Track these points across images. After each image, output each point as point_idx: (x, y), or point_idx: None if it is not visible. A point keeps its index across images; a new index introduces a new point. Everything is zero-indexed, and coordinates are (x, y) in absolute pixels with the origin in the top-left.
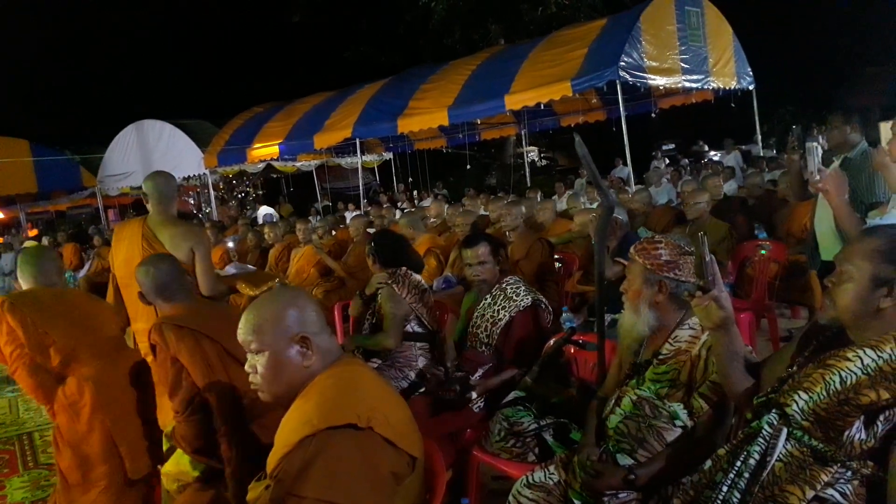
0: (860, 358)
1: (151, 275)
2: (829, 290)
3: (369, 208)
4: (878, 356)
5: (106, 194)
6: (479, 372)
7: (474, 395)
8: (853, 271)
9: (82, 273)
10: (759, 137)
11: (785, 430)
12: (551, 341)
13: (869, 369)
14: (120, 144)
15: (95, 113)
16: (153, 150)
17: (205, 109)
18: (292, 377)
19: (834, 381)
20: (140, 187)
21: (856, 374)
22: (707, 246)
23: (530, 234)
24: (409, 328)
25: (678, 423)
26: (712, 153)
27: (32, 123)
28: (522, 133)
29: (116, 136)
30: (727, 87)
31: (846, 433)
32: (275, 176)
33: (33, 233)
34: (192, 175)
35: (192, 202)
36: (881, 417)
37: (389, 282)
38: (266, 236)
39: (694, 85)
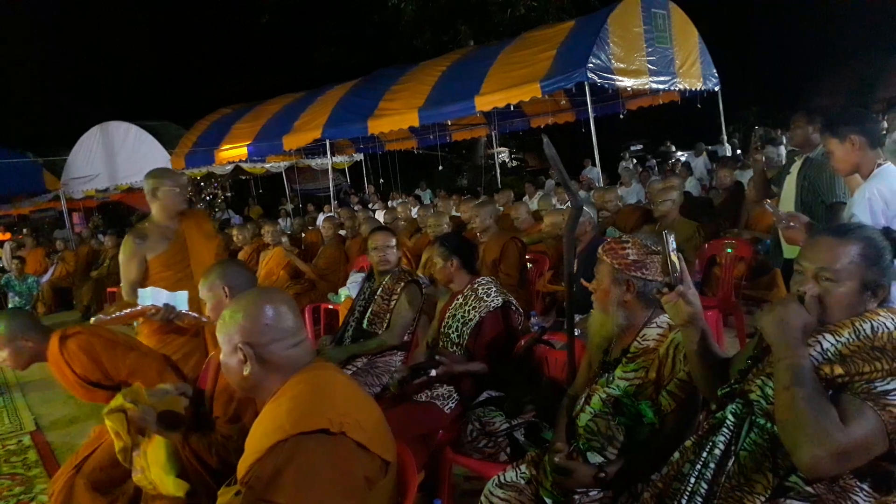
0: (819, 343)
1: None
2: (813, 298)
3: (339, 210)
4: (837, 340)
5: (70, 197)
6: None
7: (433, 372)
8: (842, 276)
9: (46, 278)
10: (725, 138)
11: (748, 419)
12: (522, 342)
13: (829, 353)
14: (84, 146)
15: (58, 114)
16: (119, 153)
17: (171, 111)
18: (238, 382)
19: None
20: (106, 189)
21: (816, 359)
22: (673, 243)
23: (503, 234)
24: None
25: (646, 420)
26: (679, 153)
27: None
28: (493, 134)
29: (80, 138)
30: (693, 89)
31: None
32: (243, 178)
33: (5, 236)
34: None
35: None
36: (829, 392)
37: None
38: (234, 239)
39: (661, 86)
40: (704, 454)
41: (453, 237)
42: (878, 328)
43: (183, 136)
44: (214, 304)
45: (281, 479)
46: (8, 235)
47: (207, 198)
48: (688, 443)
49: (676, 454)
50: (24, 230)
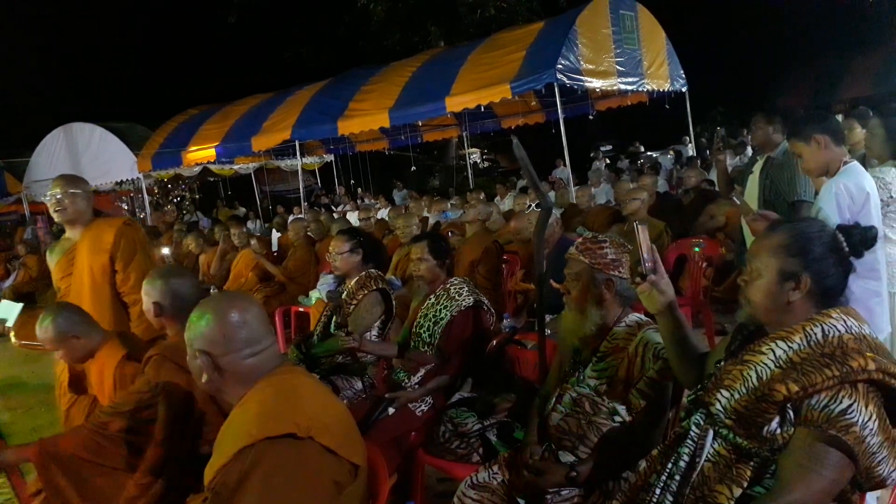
0: (773, 350)
1: None
2: (742, 289)
3: (309, 212)
4: (789, 347)
5: (33, 200)
6: (421, 372)
7: (391, 410)
8: (761, 268)
9: (7, 283)
10: (692, 138)
11: (711, 431)
12: (494, 342)
13: (781, 361)
14: (47, 148)
15: (20, 115)
16: (83, 154)
17: (137, 112)
18: (200, 385)
19: (751, 377)
20: (97, 189)
21: (769, 367)
22: (646, 234)
23: (485, 236)
24: (367, 337)
25: (617, 418)
26: (648, 153)
27: None
28: (464, 135)
29: (43, 140)
30: (661, 90)
31: (765, 428)
32: (212, 179)
33: None
34: (125, 179)
35: (126, 207)
36: (788, 405)
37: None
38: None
39: (629, 87)
40: (670, 465)
41: (440, 237)
42: (828, 332)
43: (149, 138)
44: (144, 309)
45: (247, 485)
46: None
47: (175, 200)
48: (654, 452)
49: (643, 463)
50: None
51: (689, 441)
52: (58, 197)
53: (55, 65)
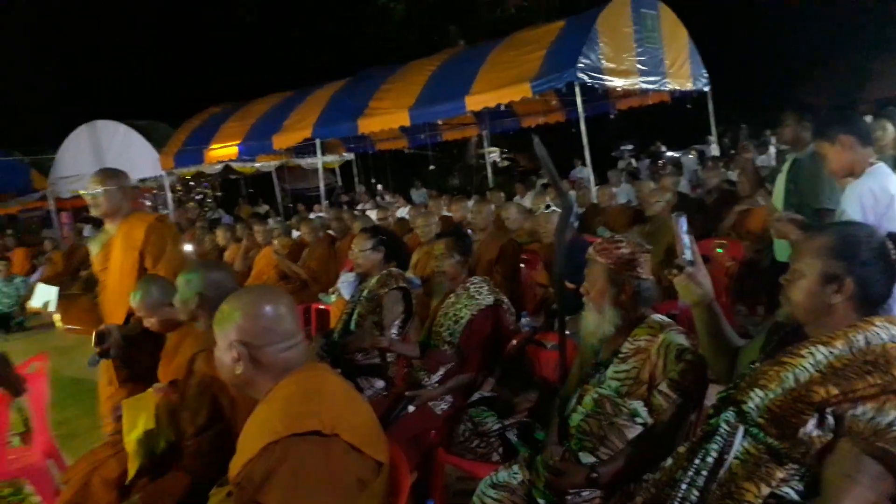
0: (812, 355)
1: None
2: (783, 288)
3: (330, 210)
4: (830, 352)
5: (58, 196)
6: (441, 371)
7: (411, 408)
8: (804, 269)
9: (34, 278)
10: (715, 138)
11: (742, 428)
12: (514, 342)
13: (821, 366)
14: (72, 145)
15: (46, 113)
16: (107, 152)
17: (160, 110)
18: (229, 378)
19: (788, 379)
20: (135, 185)
21: (808, 371)
22: (685, 226)
23: (501, 235)
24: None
25: (639, 420)
26: (669, 153)
27: None
28: (484, 134)
29: (68, 137)
30: (683, 89)
31: (801, 430)
32: (233, 177)
33: None
34: (148, 177)
35: (149, 204)
36: (828, 410)
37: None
38: (219, 239)
39: (650, 86)
40: (697, 461)
41: (465, 235)
42: (872, 339)
43: (172, 135)
44: (182, 299)
45: (273, 481)
46: None
47: (197, 197)
48: (681, 449)
49: (669, 460)
50: (9, 231)
51: (717, 438)
52: (92, 192)
53: (80, 63)
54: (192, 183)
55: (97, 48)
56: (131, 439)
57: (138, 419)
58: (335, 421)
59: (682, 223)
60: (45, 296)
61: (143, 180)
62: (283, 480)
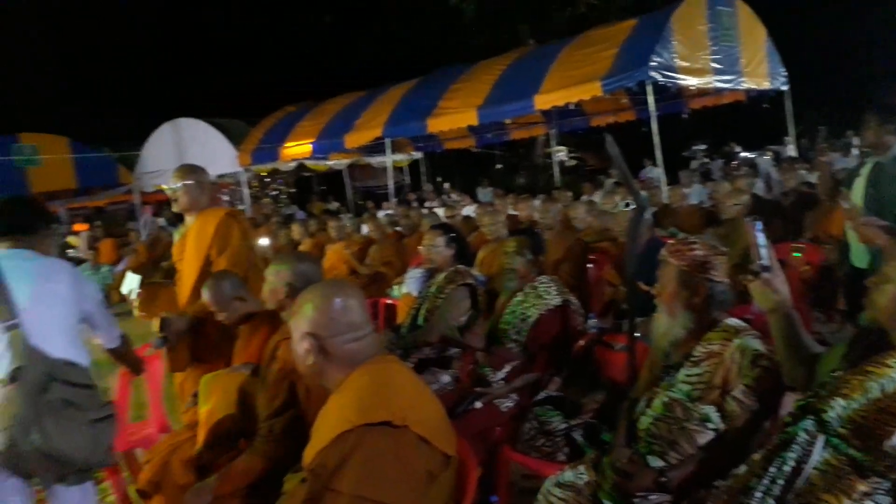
0: None
1: None
2: (869, 292)
3: (398, 208)
4: None
5: (142, 190)
6: (506, 368)
7: (478, 404)
8: (892, 273)
9: (119, 268)
10: (792, 139)
11: (822, 438)
12: (581, 342)
13: None
14: (156, 142)
15: (132, 110)
16: (188, 148)
17: (238, 108)
18: (303, 368)
19: (873, 389)
20: (213, 181)
21: None
22: (760, 229)
23: (568, 234)
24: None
25: (710, 425)
26: (744, 154)
27: (71, 121)
28: (551, 133)
29: (152, 134)
30: (759, 88)
31: (886, 442)
32: (306, 175)
33: (83, 227)
34: (226, 173)
35: (227, 199)
36: None
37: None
38: (295, 234)
39: (725, 85)
40: (773, 470)
41: (538, 234)
42: None
43: (249, 133)
44: (271, 288)
45: (346, 468)
46: (86, 226)
47: (272, 193)
48: (756, 456)
49: (744, 467)
50: (97, 222)
51: (795, 447)
52: (172, 187)
53: (165, 62)
54: (267, 179)
55: (182, 50)
56: (202, 411)
57: (212, 394)
58: (405, 412)
59: (758, 227)
60: (131, 283)
61: (221, 176)
62: (355, 468)
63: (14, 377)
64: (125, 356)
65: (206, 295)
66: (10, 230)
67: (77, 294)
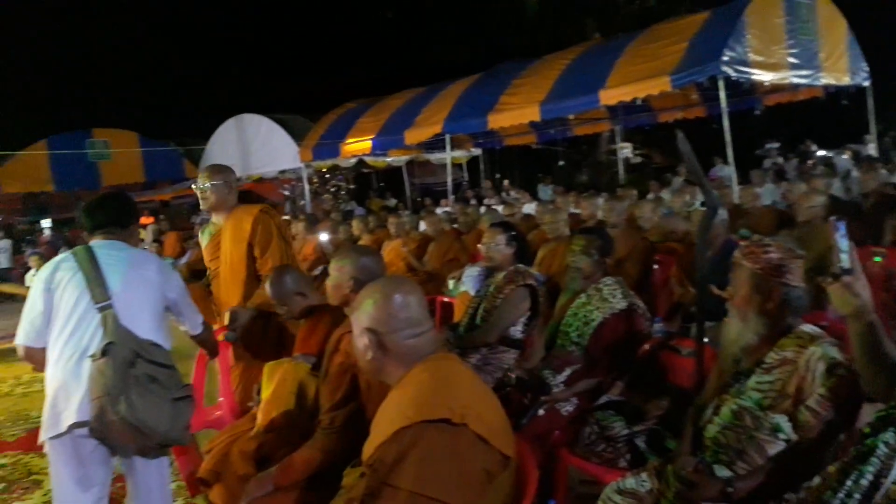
0: None
1: None
2: None
3: (456, 205)
4: None
5: None
6: (567, 371)
7: (541, 412)
8: None
9: (183, 260)
10: (874, 137)
11: None
12: (646, 346)
13: None
14: (221, 137)
15: (199, 106)
16: (251, 144)
17: (300, 104)
18: (362, 364)
19: None
20: (238, 179)
21: None
22: (843, 230)
23: (633, 233)
24: (511, 332)
25: (781, 436)
26: (821, 153)
27: (140, 116)
28: (616, 129)
29: (218, 129)
30: (839, 84)
31: None
32: (366, 171)
33: (149, 220)
34: (287, 168)
35: (288, 194)
36: None
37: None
38: (355, 230)
39: (802, 81)
40: (849, 483)
41: (606, 234)
42: None
43: (310, 130)
44: (335, 283)
45: (404, 464)
46: (151, 219)
47: (332, 189)
48: (831, 468)
49: (817, 479)
50: (161, 216)
51: (874, 459)
52: (201, 187)
53: (230, 60)
54: (327, 175)
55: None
56: (263, 396)
57: (272, 382)
58: (464, 411)
59: (841, 228)
60: None
61: (282, 172)
62: (413, 465)
63: (105, 352)
64: (207, 342)
65: (268, 290)
66: (108, 224)
67: (163, 282)
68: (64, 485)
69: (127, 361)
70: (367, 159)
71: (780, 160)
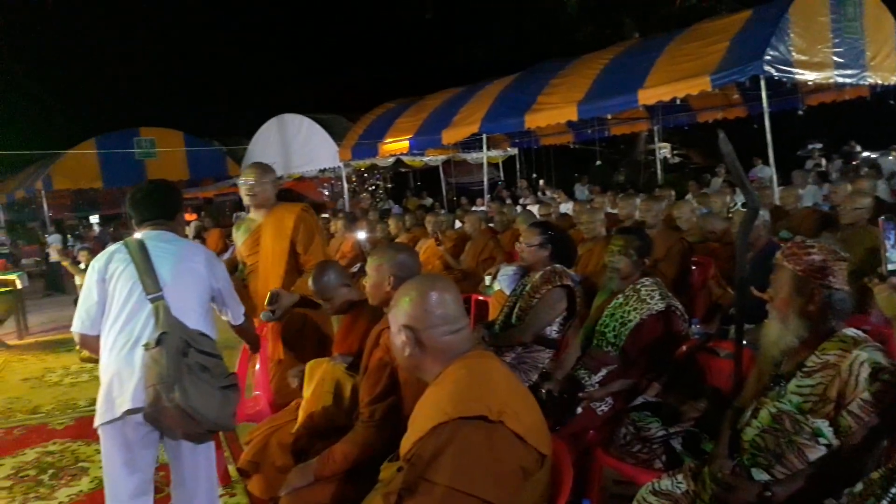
0: None
1: None
2: None
3: (492, 204)
4: None
5: None
6: (602, 372)
7: (579, 410)
8: None
9: (226, 257)
10: None
11: None
12: (683, 348)
13: None
14: (262, 136)
15: (241, 106)
16: (292, 143)
17: (340, 104)
18: (401, 360)
19: None
20: (280, 177)
21: None
22: (892, 230)
23: (671, 234)
24: (547, 332)
25: (822, 440)
26: (865, 154)
27: (185, 115)
28: (655, 129)
29: (260, 129)
30: (886, 83)
31: None
32: (403, 170)
33: (191, 217)
34: (327, 167)
35: (327, 193)
36: None
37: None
38: (391, 228)
39: (847, 80)
40: (894, 490)
41: (646, 234)
42: None
43: (350, 129)
44: (375, 283)
45: (441, 459)
46: (194, 216)
47: (370, 188)
48: (875, 475)
49: (860, 485)
50: (203, 212)
51: None
52: (250, 183)
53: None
54: (366, 175)
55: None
56: (305, 394)
57: (312, 381)
58: (501, 408)
59: (889, 228)
60: None
61: (322, 171)
62: (449, 461)
63: (159, 341)
64: (247, 333)
65: (312, 284)
66: (157, 215)
67: (210, 273)
68: (114, 467)
69: (180, 351)
70: (405, 159)
71: (823, 161)
